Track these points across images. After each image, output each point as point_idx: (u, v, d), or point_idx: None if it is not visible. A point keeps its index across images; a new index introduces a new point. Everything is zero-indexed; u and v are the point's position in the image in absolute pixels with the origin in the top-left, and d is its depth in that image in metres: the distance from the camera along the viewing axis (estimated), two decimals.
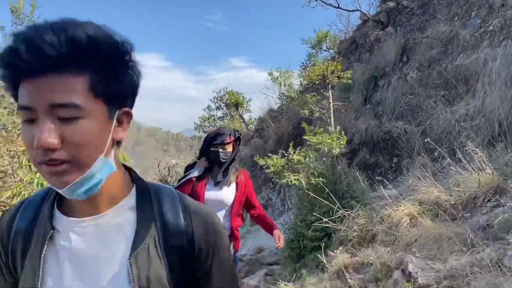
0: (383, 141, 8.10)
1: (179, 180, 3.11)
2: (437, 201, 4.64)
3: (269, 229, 3.36)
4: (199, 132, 22.51)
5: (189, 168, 3.12)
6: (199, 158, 3.16)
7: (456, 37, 7.88)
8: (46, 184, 3.49)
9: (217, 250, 0.99)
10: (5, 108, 5.12)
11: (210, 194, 3.00)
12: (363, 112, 9.35)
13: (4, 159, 4.48)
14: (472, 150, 4.66)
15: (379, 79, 9.24)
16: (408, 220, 4.53)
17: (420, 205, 4.73)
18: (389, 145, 7.99)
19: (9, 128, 4.88)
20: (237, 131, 3.16)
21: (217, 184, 3.02)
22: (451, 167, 5.28)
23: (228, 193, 3.06)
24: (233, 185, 3.10)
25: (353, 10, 12.36)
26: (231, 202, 3.08)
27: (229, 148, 3.04)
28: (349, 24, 15.84)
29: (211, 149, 3.01)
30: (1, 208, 4.08)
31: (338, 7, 11.66)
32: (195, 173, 3.01)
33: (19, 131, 4.59)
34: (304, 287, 4.55)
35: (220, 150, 2.99)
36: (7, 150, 4.44)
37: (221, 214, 3.05)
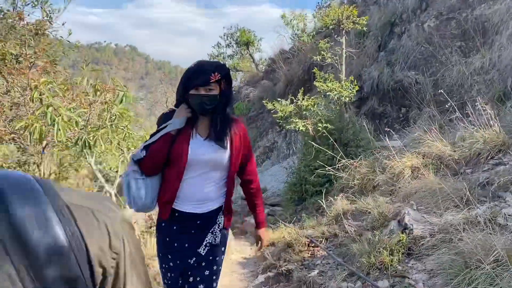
0: (393, 90, 8.03)
1: (151, 136, 2.28)
2: (440, 155, 4.70)
3: (257, 217, 2.52)
4: None
5: (166, 118, 2.26)
6: (176, 106, 2.30)
7: None
8: (58, 120, 3.56)
9: (132, 263, 0.65)
10: (15, 39, 5.10)
11: (198, 152, 2.20)
12: (376, 59, 9.18)
13: (16, 91, 4.54)
14: (481, 106, 4.64)
15: (395, 25, 8.97)
16: (410, 172, 4.62)
17: (423, 158, 4.80)
18: (399, 95, 7.92)
19: (20, 60, 4.89)
20: (223, 65, 2.29)
21: (207, 139, 2.23)
22: (459, 122, 5.29)
23: (221, 151, 2.25)
24: (227, 140, 2.28)
25: None
26: (227, 164, 2.29)
27: (215, 90, 2.17)
28: None
29: (191, 92, 2.17)
30: (14, 138, 4.21)
31: None
32: (175, 126, 2.21)
33: (31, 64, 4.61)
34: (303, 229, 4.75)
35: (203, 93, 2.15)
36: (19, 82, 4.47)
37: (211, 180, 2.29)
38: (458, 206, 3.15)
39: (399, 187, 4.39)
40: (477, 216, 2.88)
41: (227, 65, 2.37)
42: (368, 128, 6.36)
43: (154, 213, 7.47)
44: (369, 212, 3.95)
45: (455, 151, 4.49)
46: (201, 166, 2.23)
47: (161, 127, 2.23)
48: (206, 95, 2.15)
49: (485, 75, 6.58)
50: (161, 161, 2.22)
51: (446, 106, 6.02)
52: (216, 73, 2.14)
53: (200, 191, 2.26)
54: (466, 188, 3.37)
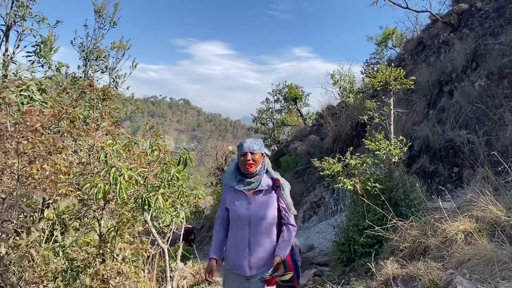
0: (444, 149, 7.90)
1: None
2: (495, 219, 4.55)
3: None
4: (256, 124, 22.90)
5: None
6: None
7: None
8: (120, 179, 3.86)
9: None
10: (85, 102, 5.63)
11: None
12: (426, 117, 9.13)
13: (82, 151, 4.95)
14: None
15: (444, 84, 8.96)
16: (463, 237, 4.48)
17: (476, 222, 4.66)
18: (451, 154, 7.78)
19: (87, 121, 5.37)
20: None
21: None
22: None
23: None
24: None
25: (422, 11, 11.97)
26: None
27: None
28: (418, 22, 15.35)
29: None
30: (80, 197, 4.55)
31: (407, 7, 11.34)
32: None
33: (97, 126, 5.05)
34: None
35: None
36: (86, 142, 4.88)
37: None
38: None
39: (452, 253, 4.27)
40: None
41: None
42: (419, 187, 6.26)
43: (202, 267, 7.56)
44: (420, 279, 3.85)
45: (509, 216, 4.34)
46: None
47: None
48: None
49: None
50: None
51: (500, 168, 5.88)
52: None
53: None
54: None
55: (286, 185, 3.11)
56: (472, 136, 7.43)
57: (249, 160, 2.97)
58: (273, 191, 3.05)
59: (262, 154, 3.07)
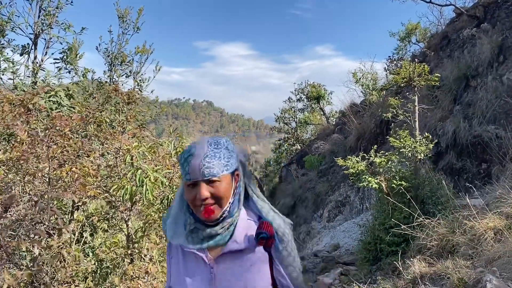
0: (472, 145, 7.72)
1: None
2: None
3: None
4: (279, 123, 22.88)
5: None
6: None
7: None
8: (146, 180, 3.94)
9: None
10: (110, 106, 5.76)
11: None
12: (451, 112, 8.95)
13: (109, 154, 5.07)
14: None
15: (470, 79, 8.76)
16: (492, 234, 4.38)
17: (506, 219, 4.55)
18: (479, 150, 7.60)
19: (113, 125, 5.49)
20: None
21: None
22: None
23: None
24: None
25: (446, 5, 11.71)
26: None
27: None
28: (442, 16, 15.01)
29: None
30: (108, 199, 4.66)
31: (430, 2, 11.12)
32: None
33: (123, 129, 5.16)
34: None
35: None
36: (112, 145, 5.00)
37: None
38: None
39: (481, 251, 4.18)
40: None
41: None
42: (446, 185, 6.14)
43: None
44: (448, 277, 3.79)
45: None
46: None
47: None
48: None
49: None
50: None
51: None
52: None
53: None
54: None
55: (286, 233, 1.47)
56: (501, 131, 7.24)
57: (205, 199, 1.35)
58: (261, 249, 1.43)
59: (234, 172, 1.43)
